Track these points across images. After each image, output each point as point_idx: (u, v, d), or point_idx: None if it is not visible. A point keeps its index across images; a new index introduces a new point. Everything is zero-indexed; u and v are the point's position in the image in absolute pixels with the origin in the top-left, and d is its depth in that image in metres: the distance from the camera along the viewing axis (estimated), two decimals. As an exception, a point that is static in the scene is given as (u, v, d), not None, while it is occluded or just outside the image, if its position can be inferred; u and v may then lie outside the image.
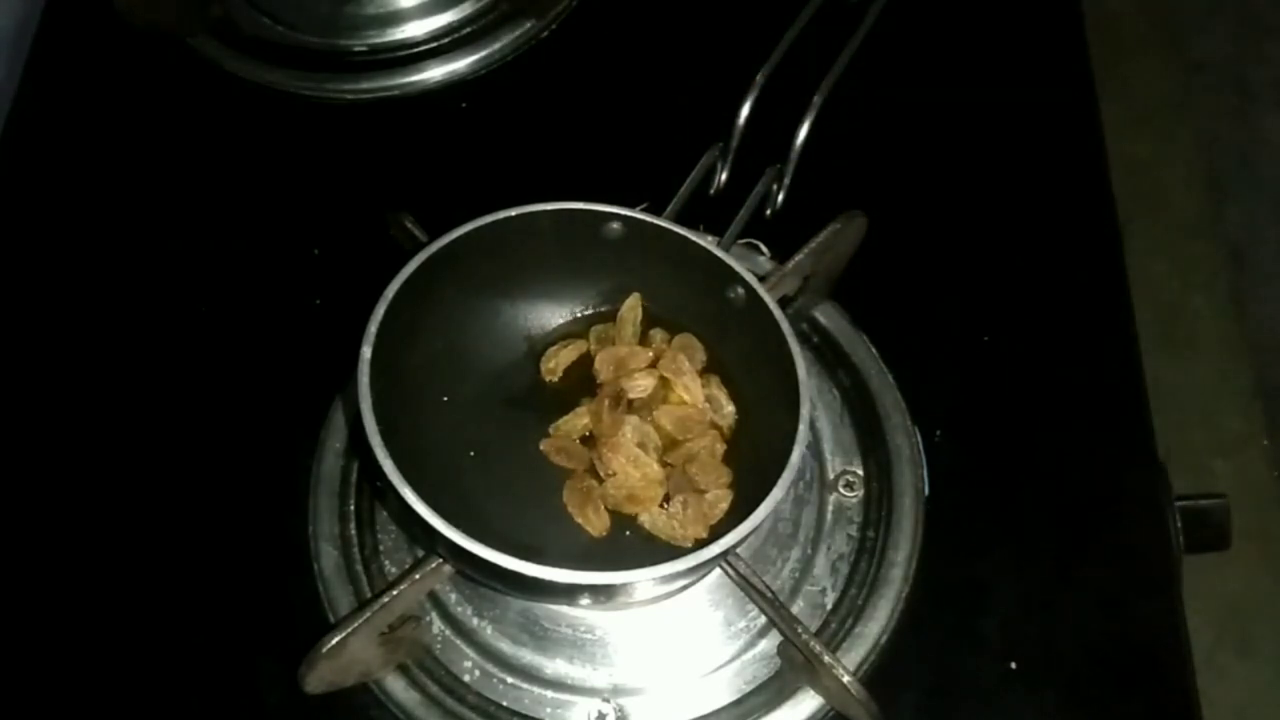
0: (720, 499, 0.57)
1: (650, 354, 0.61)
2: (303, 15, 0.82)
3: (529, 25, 0.81)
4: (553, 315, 0.63)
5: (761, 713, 0.60)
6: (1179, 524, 0.64)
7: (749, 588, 0.57)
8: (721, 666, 0.61)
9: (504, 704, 0.61)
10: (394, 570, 0.64)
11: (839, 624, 0.62)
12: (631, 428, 0.59)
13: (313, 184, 0.77)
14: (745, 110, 0.70)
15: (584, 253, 0.60)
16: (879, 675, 0.60)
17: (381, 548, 0.65)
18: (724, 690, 0.61)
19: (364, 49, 0.81)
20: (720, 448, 0.59)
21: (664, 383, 0.60)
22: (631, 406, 0.60)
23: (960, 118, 0.76)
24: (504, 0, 0.82)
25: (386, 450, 0.50)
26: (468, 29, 0.81)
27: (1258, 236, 1.26)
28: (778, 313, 0.56)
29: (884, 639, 0.61)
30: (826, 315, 0.69)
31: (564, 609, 0.61)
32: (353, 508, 0.65)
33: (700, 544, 0.54)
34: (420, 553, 0.62)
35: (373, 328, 0.54)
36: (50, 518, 0.67)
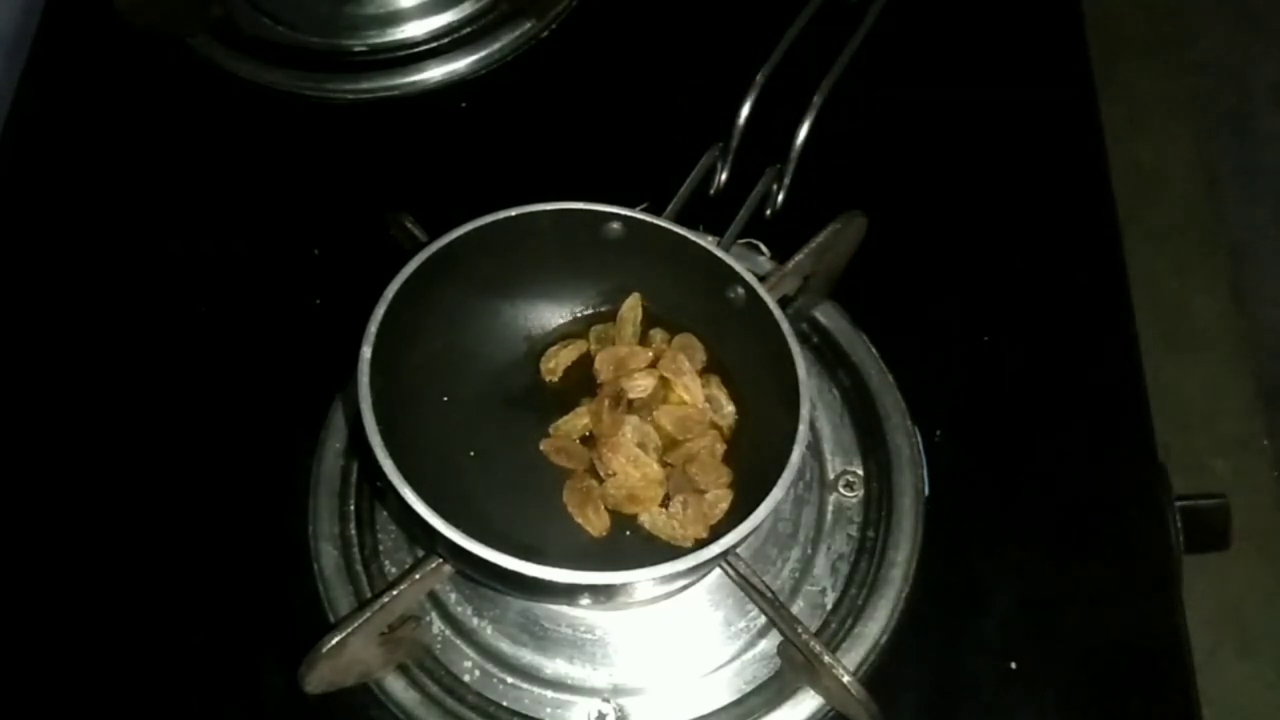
0: (720, 499, 0.57)
1: (650, 354, 0.61)
2: (303, 15, 0.82)
3: (529, 25, 0.81)
4: (553, 315, 0.63)
5: (761, 713, 0.60)
6: (1179, 524, 0.64)
7: (749, 588, 0.57)
8: (721, 666, 0.61)
9: (504, 704, 0.61)
10: (394, 570, 0.64)
11: (839, 624, 0.62)
12: (631, 428, 0.59)
13: (313, 184, 0.77)
14: (745, 110, 0.70)
15: (584, 253, 0.60)
16: (879, 675, 0.60)
17: (381, 548, 0.65)
18: (724, 690, 0.61)
19: (364, 49, 0.81)
20: (720, 448, 0.59)
21: (664, 383, 0.60)
22: (631, 406, 0.60)
23: (960, 118, 0.76)
24: (504, 0, 0.82)
25: (386, 450, 0.50)
26: (468, 29, 0.81)
27: (1258, 236, 1.26)
28: (778, 313, 0.56)
29: (884, 639, 0.61)
30: (826, 315, 0.69)
31: (564, 609, 0.61)
32: (353, 508, 0.65)
33: (700, 544, 0.54)
34: (420, 553, 0.62)
35: (373, 328, 0.54)
36: (50, 517, 0.67)
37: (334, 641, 0.55)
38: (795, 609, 0.61)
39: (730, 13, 0.81)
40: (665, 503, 0.57)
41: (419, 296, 0.56)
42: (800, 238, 0.63)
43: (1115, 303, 0.71)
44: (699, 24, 0.81)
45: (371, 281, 0.55)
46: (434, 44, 0.81)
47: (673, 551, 0.55)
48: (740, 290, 0.58)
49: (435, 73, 0.80)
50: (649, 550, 0.56)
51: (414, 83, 0.80)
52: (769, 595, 0.57)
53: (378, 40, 0.81)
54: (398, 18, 0.82)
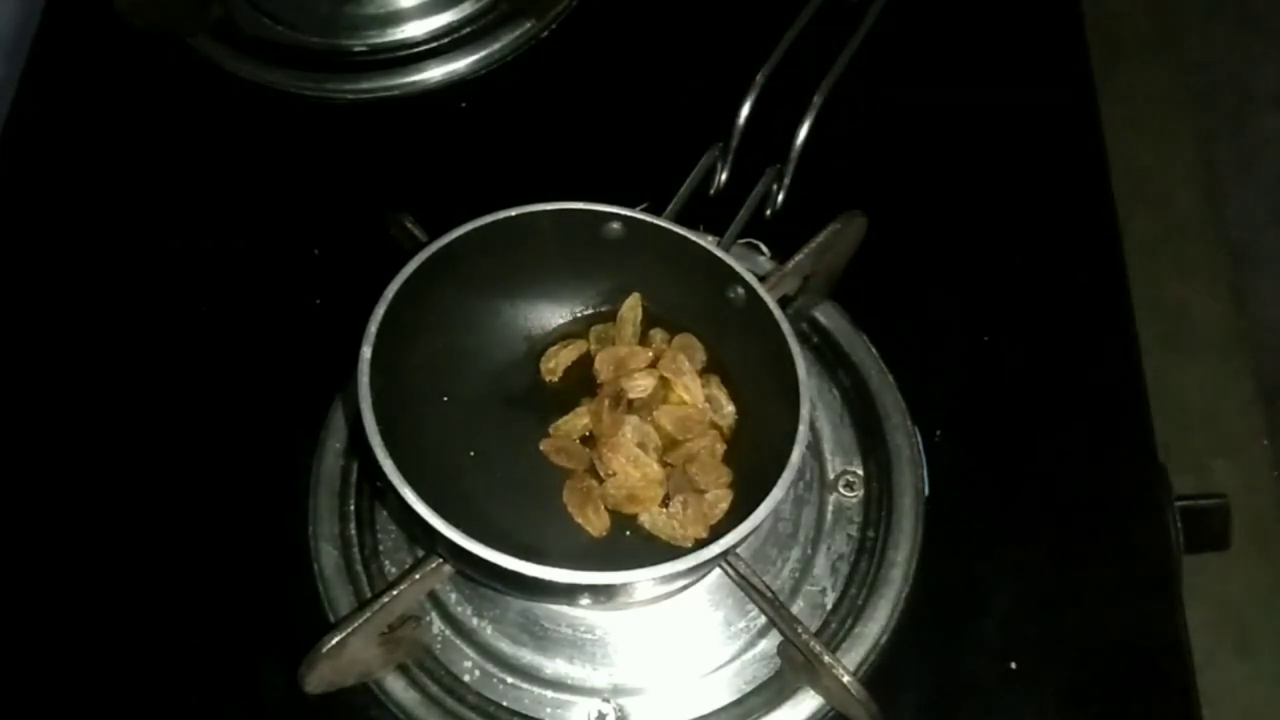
0: (720, 499, 0.57)
1: (650, 354, 0.61)
2: (303, 15, 0.82)
3: (529, 25, 0.81)
4: (553, 315, 0.63)
5: (761, 713, 0.60)
6: (1179, 524, 0.64)
7: (749, 588, 0.57)
8: (721, 666, 0.61)
9: (504, 704, 0.61)
10: (394, 570, 0.64)
11: (839, 624, 0.62)
12: (631, 428, 0.59)
13: (313, 184, 0.77)
14: (745, 110, 0.70)
15: (584, 253, 0.60)
16: (879, 675, 0.60)
17: (381, 548, 0.65)
18: (724, 690, 0.61)
19: (364, 49, 0.81)
20: (720, 448, 0.59)
21: (664, 383, 0.60)
22: (631, 406, 0.60)
23: (960, 118, 0.76)
24: (504, 0, 0.82)
25: (386, 450, 0.50)
26: (468, 29, 0.81)
27: (1258, 236, 1.26)
28: (778, 313, 0.56)
29: (884, 639, 0.61)
30: (826, 315, 0.69)
31: (564, 609, 0.61)
32: (353, 508, 0.65)
33: (700, 544, 0.54)
34: (420, 553, 0.62)
35: (373, 328, 0.54)
36: (50, 517, 0.67)
37: (334, 641, 0.55)
38: (795, 609, 0.61)
39: (730, 13, 0.81)
40: (665, 503, 0.57)
41: (419, 296, 0.56)
42: (800, 238, 0.63)
43: (1115, 303, 0.71)
44: (699, 24, 0.81)
45: (371, 281, 0.55)
46: (434, 44, 0.81)
47: (673, 551, 0.55)
48: (740, 290, 0.58)
49: (435, 73, 0.80)
50: (649, 550, 0.56)
51: (414, 83, 0.80)
52: (769, 595, 0.57)
53: (378, 40, 0.81)
54: (398, 18, 0.82)
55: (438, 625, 0.62)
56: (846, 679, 0.55)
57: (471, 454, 0.59)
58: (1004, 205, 0.74)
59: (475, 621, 0.62)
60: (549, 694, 0.61)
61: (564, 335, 0.63)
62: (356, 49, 0.81)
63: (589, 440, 0.59)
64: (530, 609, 0.62)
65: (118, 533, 0.66)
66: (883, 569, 0.62)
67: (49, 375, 0.72)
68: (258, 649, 0.63)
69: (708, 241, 0.59)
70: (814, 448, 0.66)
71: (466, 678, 0.61)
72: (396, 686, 0.61)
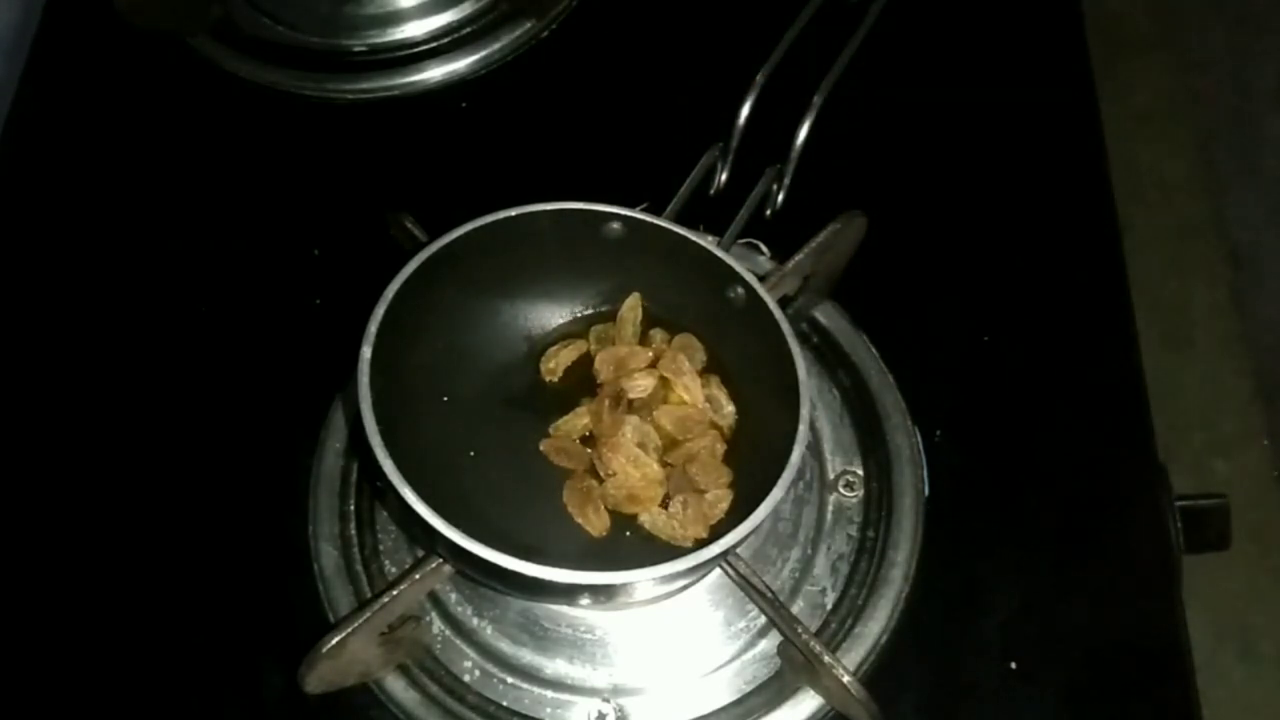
0: (720, 499, 0.57)
1: (650, 354, 0.61)
2: (303, 15, 0.82)
3: (529, 25, 0.81)
4: (553, 315, 0.63)
5: (761, 713, 0.60)
6: (1179, 524, 0.64)
7: (749, 588, 0.57)
8: (721, 666, 0.61)
9: (504, 704, 0.61)
10: (394, 570, 0.64)
11: (839, 624, 0.62)
12: (631, 428, 0.59)
13: (313, 184, 0.77)
14: (745, 110, 0.70)
15: (584, 253, 0.60)
16: (879, 675, 0.60)
17: (381, 548, 0.65)
18: (724, 690, 0.61)
19: (364, 49, 0.81)
20: (720, 448, 0.59)
21: (664, 383, 0.60)
22: (631, 406, 0.59)
23: (960, 118, 0.76)
24: (504, 0, 0.82)
25: (386, 450, 0.50)
26: (468, 29, 0.81)
27: (1258, 236, 1.26)
28: (778, 313, 0.56)
29: (884, 639, 0.61)
30: (826, 315, 0.69)
31: (564, 609, 0.61)
32: (353, 508, 0.65)
33: (700, 544, 0.54)
34: (420, 553, 0.62)
35: (373, 328, 0.54)
36: (50, 517, 0.67)
37: (334, 641, 0.55)
38: (795, 609, 0.61)
39: (730, 13, 0.81)
40: (665, 503, 0.57)
41: (419, 296, 0.56)
42: (800, 238, 0.63)
43: (1115, 303, 0.71)
44: (699, 24, 0.81)
45: (371, 281, 0.55)
46: (434, 44, 0.81)
47: (673, 551, 0.55)
48: (740, 290, 0.58)
49: (435, 73, 0.80)
50: (649, 550, 0.56)
51: (414, 83, 0.80)
52: (769, 595, 0.57)
53: (378, 40, 0.81)
54: (398, 18, 0.82)
55: (438, 625, 0.62)
56: (846, 679, 0.55)
57: (471, 454, 0.59)
58: (1004, 205, 0.74)
59: (475, 621, 0.62)
60: (549, 694, 0.61)
61: (564, 335, 0.63)
62: (356, 49, 0.81)
63: (589, 440, 0.59)
64: (530, 609, 0.62)
65: (118, 533, 0.66)
66: (883, 569, 0.62)
67: (49, 375, 0.72)
68: (258, 649, 0.63)
69: (708, 241, 0.59)
70: (814, 448, 0.66)
71: (466, 678, 0.61)
72: (396, 686, 0.61)
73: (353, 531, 0.65)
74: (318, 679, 0.56)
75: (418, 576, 0.56)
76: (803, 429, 0.53)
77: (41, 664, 0.64)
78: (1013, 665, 0.61)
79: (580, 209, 0.58)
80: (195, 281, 0.74)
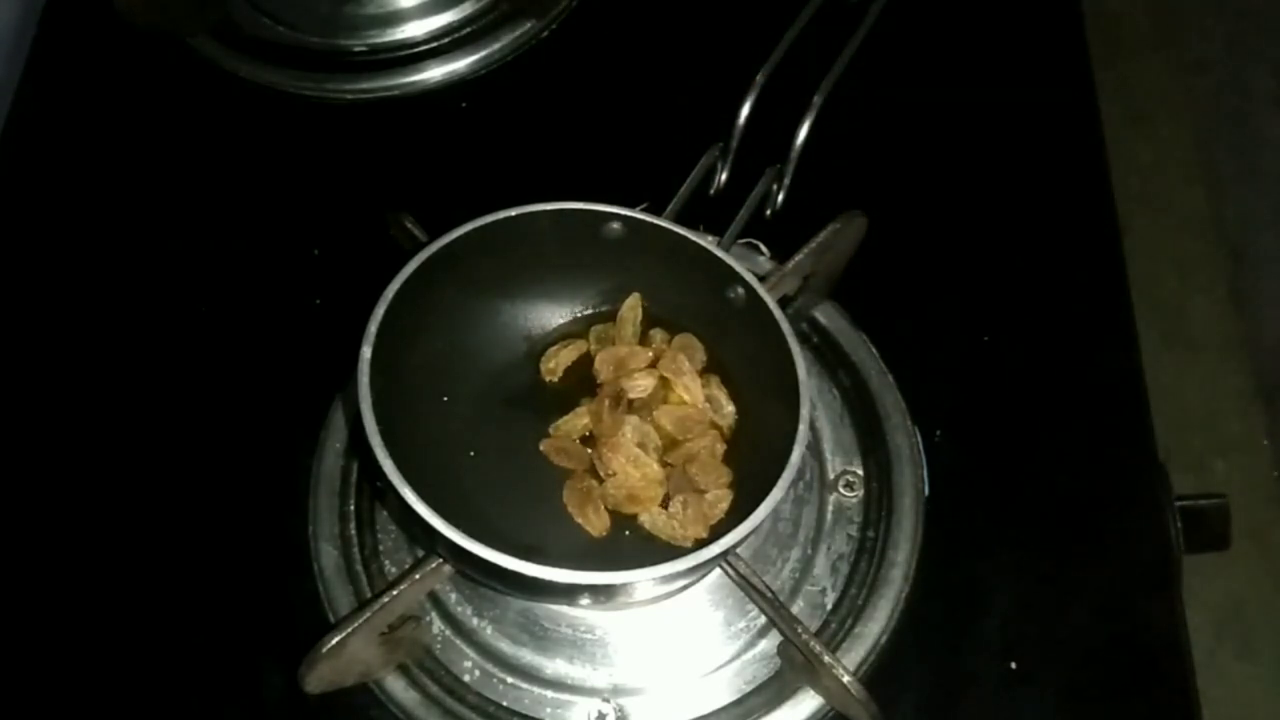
0: (720, 499, 0.57)
1: (650, 354, 0.61)
2: (303, 15, 0.82)
3: (529, 25, 0.81)
4: (553, 315, 0.63)
5: (761, 713, 0.60)
6: (1179, 524, 0.64)
7: (749, 588, 0.57)
8: (721, 666, 0.61)
9: (504, 704, 0.61)
10: (394, 570, 0.64)
11: (839, 624, 0.62)
12: (631, 428, 0.59)
13: (313, 184, 0.77)
14: (745, 110, 0.70)
15: (584, 253, 0.60)
16: (879, 675, 0.60)
17: (381, 548, 0.65)
18: (724, 690, 0.61)
19: (364, 49, 0.81)
20: (720, 448, 0.59)
21: (664, 383, 0.60)
22: (631, 406, 0.60)
23: (960, 118, 0.76)
24: (504, 0, 0.82)
25: (386, 450, 0.50)
26: (468, 29, 0.81)
27: (1258, 237, 1.26)
28: (778, 313, 0.56)
29: (884, 639, 0.61)
30: (826, 315, 0.69)
31: (564, 609, 0.61)
32: (353, 508, 0.65)
33: (700, 544, 0.54)
34: (420, 553, 0.62)
35: (373, 328, 0.54)
36: (50, 517, 0.67)
37: (334, 641, 0.55)
38: (795, 609, 0.61)
39: (730, 13, 0.81)
40: (665, 503, 0.57)
41: (419, 296, 0.56)
42: (800, 238, 0.63)
43: (1115, 303, 0.71)
44: (699, 24, 0.81)
45: (371, 281, 0.55)
46: (434, 44, 0.81)
47: (673, 551, 0.55)
48: (740, 290, 0.58)
49: (435, 73, 0.80)
50: (649, 550, 0.56)
51: (414, 83, 0.80)
52: (769, 595, 0.57)
53: (378, 40, 0.81)
54: (398, 18, 0.82)
55: (438, 625, 0.62)
56: (846, 679, 0.55)
57: (471, 454, 0.59)
58: (1004, 205, 0.74)
59: (475, 621, 0.62)
60: (549, 694, 0.61)
61: (564, 335, 0.63)
62: (356, 49, 0.81)
63: (589, 440, 0.59)
64: (530, 609, 0.62)
65: (118, 533, 0.66)
66: (883, 569, 0.62)
67: (49, 375, 0.72)
68: (258, 649, 0.63)
69: (708, 241, 0.59)
70: (814, 448, 0.66)
71: (466, 678, 0.61)
72: (396, 686, 0.61)
73: (353, 531, 0.65)
74: (318, 679, 0.56)
75: (418, 576, 0.56)
76: (803, 429, 0.53)
77: (42, 664, 0.64)
78: (1013, 665, 0.61)
79: (580, 209, 0.58)
80: (195, 281, 0.74)
